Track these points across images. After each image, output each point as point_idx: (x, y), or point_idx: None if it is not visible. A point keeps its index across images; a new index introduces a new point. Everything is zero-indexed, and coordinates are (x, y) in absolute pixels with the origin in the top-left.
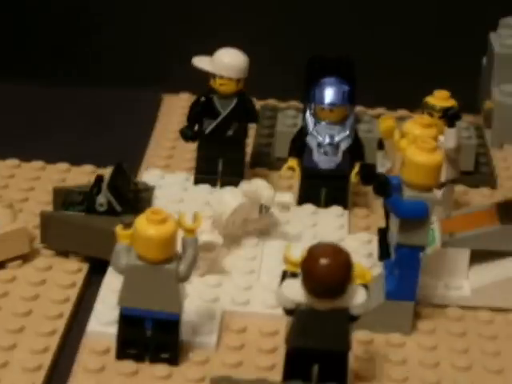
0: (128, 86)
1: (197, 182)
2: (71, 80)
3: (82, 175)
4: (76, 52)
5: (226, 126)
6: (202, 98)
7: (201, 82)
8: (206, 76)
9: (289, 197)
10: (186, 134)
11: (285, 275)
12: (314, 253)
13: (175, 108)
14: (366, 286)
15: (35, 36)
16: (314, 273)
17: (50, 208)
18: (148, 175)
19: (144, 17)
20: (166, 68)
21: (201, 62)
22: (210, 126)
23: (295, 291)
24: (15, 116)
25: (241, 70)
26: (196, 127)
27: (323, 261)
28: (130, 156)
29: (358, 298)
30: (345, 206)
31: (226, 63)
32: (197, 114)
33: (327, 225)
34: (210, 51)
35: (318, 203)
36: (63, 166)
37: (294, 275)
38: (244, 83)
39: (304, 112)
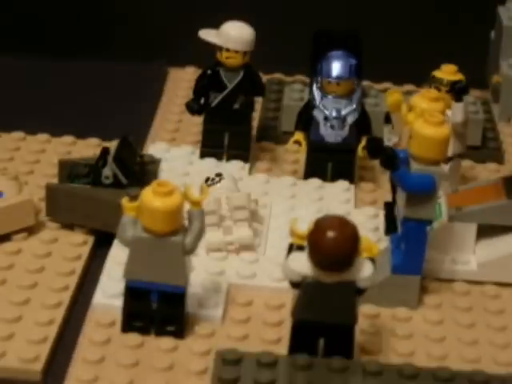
0: (134, 59)
1: (203, 155)
2: (77, 54)
3: (87, 148)
4: (82, 26)
5: (233, 99)
6: (209, 71)
7: (207, 56)
8: (212, 49)
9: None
10: (192, 108)
11: (291, 248)
12: (320, 225)
13: (181, 82)
14: (372, 260)
15: (41, 10)
16: (320, 245)
17: (55, 181)
18: (154, 148)
19: None
20: (173, 42)
21: (207, 34)
22: (216, 99)
23: (301, 264)
24: (19, 90)
25: (247, 42)
26: (202, 100)
27: (330, 233)
28: (135, 129)
29: (364, 271)
30: (351, 180)
31: (232, 36)
32: (203, 87)
33: (333, 199)
34: (216, 24)
35: (324, 177)
36: (68, 139)
37: (300, 248)
38: (250, 57)
39: (311, 86)
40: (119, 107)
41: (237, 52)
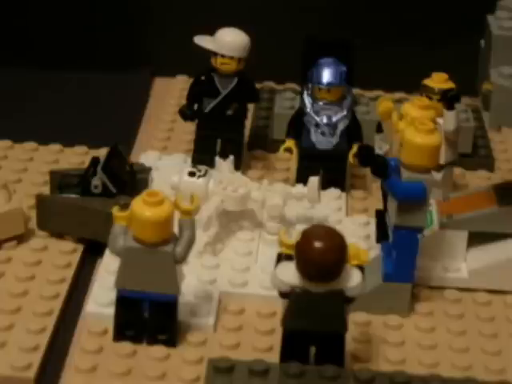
0: (119, 68)
1: (194, 161)
2: (63, 63)
3: (75, 156)
4: (68, 35)
5: (226, 106)
6: (202, 77)
7: (194, 65)
8: (201, 58)
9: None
10: (185, 114)
11: (280, 258)
12: (307, 235)
13: (172, 90)
14: (361, 267)
15: (27, 21)
16: (307, 256)
17: (43, 189)
18: (145, 157)
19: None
20: (158, 51)
21: (202, 40)
22: (209, 105)
23: (290, 274)
24: (5, 99)
25: (242, 49)
26: (195, 106)
27: (316, 244)
28: (124, 138)
29: (353, 280)
30: (342, 188)
31: (227, 42)
32: (197, 92)
33: (325, 207)
34: (208, 32)
35: None
36: (56, 147)
37: (289, 258)
38: (244, 63)
39: (301, 93)
40: (105, 115)
41: (231, 58)
